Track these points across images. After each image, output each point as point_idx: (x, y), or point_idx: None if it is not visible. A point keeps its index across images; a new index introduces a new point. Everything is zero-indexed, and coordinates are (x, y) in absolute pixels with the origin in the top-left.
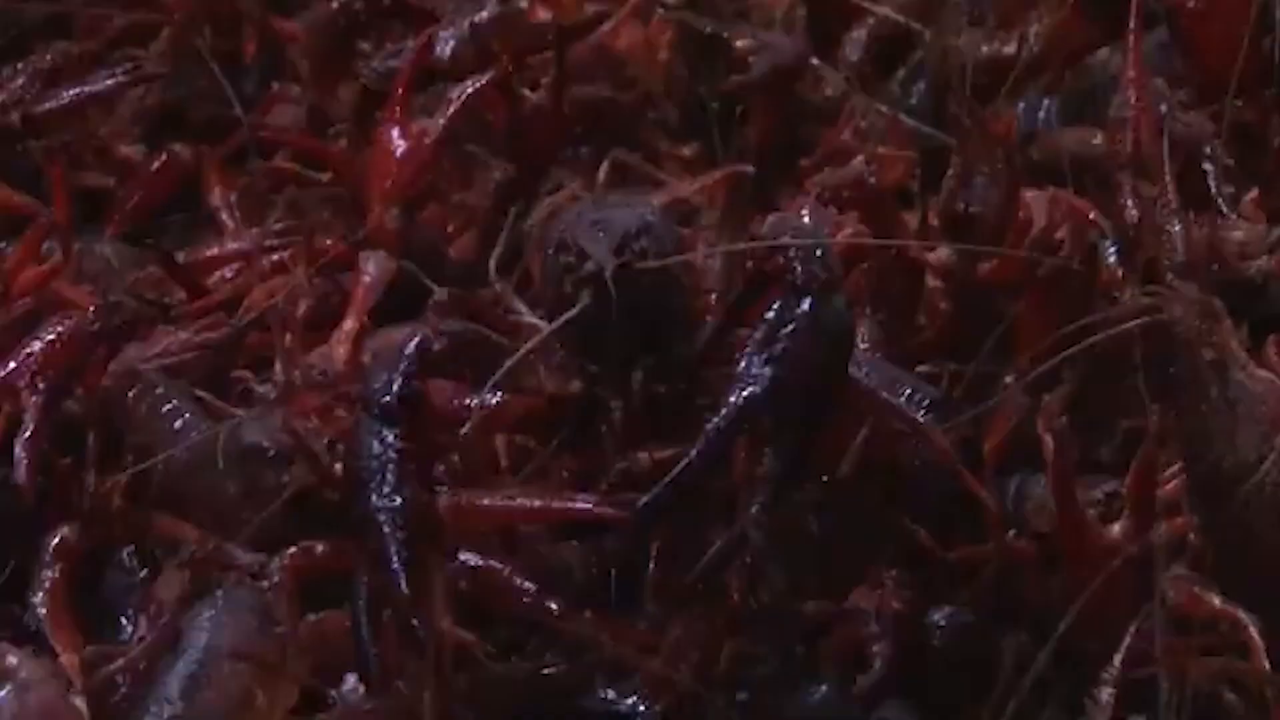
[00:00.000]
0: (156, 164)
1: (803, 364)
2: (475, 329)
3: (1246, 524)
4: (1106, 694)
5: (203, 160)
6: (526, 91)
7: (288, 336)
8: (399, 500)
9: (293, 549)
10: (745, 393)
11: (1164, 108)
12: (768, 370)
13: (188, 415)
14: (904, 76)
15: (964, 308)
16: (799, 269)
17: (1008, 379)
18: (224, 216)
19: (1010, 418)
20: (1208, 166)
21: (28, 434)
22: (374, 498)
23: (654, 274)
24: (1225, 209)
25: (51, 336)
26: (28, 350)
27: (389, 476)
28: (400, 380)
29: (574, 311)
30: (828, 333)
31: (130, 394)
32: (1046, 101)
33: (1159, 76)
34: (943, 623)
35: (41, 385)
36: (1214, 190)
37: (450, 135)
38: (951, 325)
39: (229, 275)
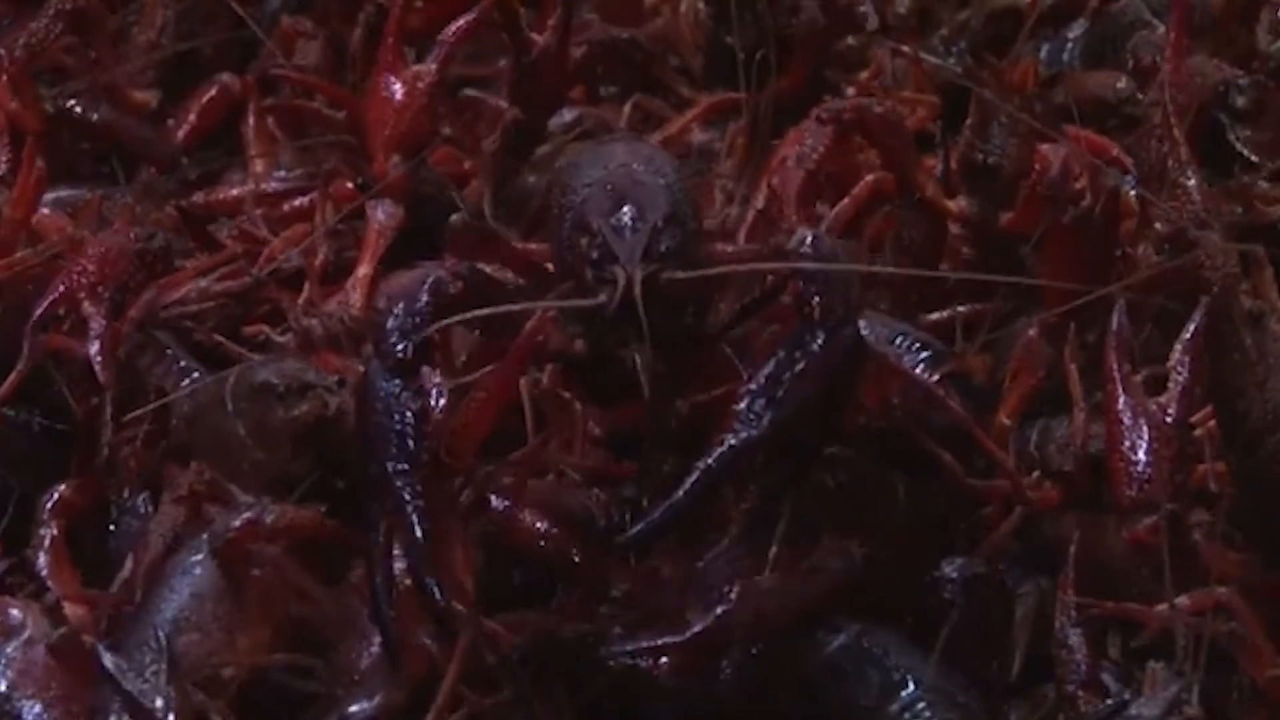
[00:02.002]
0: (208, 95)
1: (806, 405)
2: (486, 272)
3: (1274, 474)
4: (1075, 635)
5: (249, 91)
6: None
7: (305, 286)
8: (414, 466)
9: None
10: (741, 436)
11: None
12: (768, 415)
13: (195, 374)
14: (948, 33)
15: (985, 254)
16: (817, 302)
17: (1031, 331)
18: (254, 155)
19: (1036, 370)
20: (1222, 115)
21: (98, 333)
22: (390, 463)
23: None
24: (1247, 154)
25: (101, 250)
26: (79, 266)
27: (407, 441)
28: (413, 328)
29: (592, 302)
30: (836, 369)
31: (142, 359)
32: (1070, 44)
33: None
34: (954, 575)
35: (104, 292)
36: (1233, 139)
37: (444, 76)
38: (973, 270)
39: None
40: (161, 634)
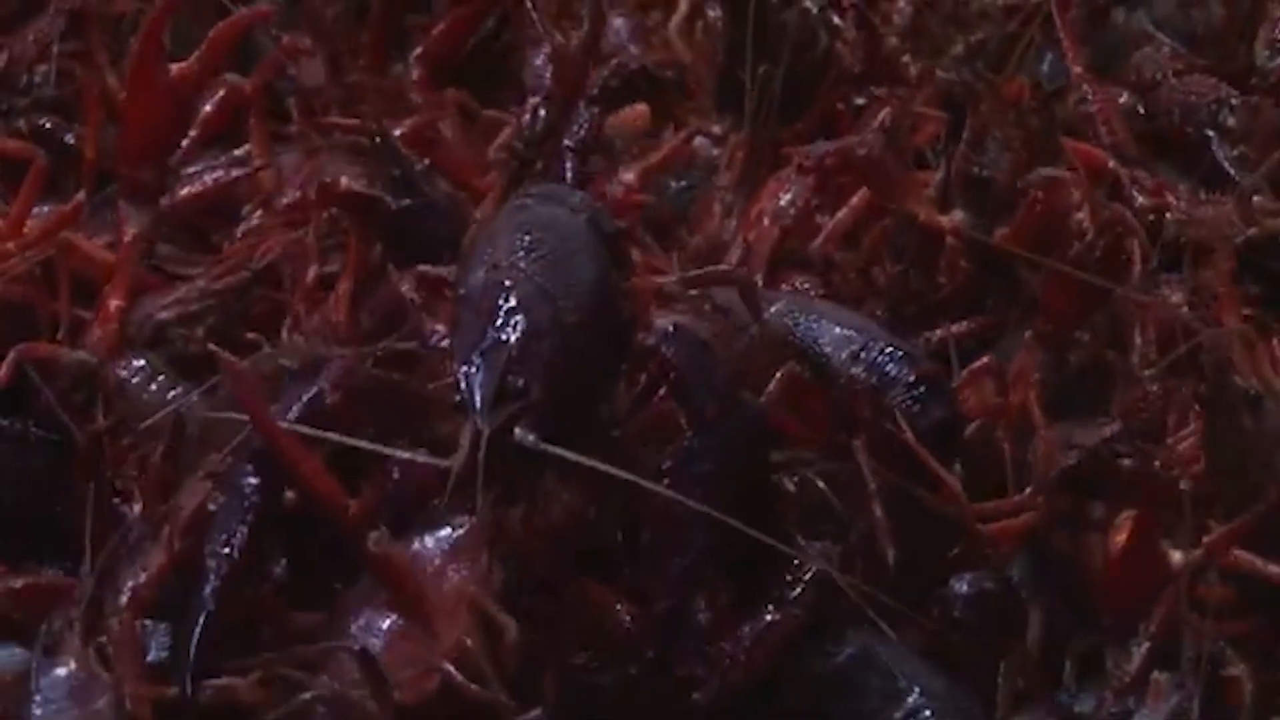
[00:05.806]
0: (216, 96)
1: (722, 491)
2: (388, 380)
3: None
4: (1139, 656)
5: (256, 94)
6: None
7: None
8: (234, 553)
9: None
10: (682, 564)
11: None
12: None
13: (179, 388)
14: (963, 51)
15: (983, 267)
16: (685, 409)
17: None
18: (258, 162)
19: (1030, 379)
20: (1210, 133)
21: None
22: (211, 546)
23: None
24: (1234, 173)
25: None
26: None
27: (234, 528)
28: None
29: (439, 462)
30: (736, 456)
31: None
32: None
33: (1176, 35)
34: (965, 590)
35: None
36: (1220, 157)
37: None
38: (971, 283)
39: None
40: None
